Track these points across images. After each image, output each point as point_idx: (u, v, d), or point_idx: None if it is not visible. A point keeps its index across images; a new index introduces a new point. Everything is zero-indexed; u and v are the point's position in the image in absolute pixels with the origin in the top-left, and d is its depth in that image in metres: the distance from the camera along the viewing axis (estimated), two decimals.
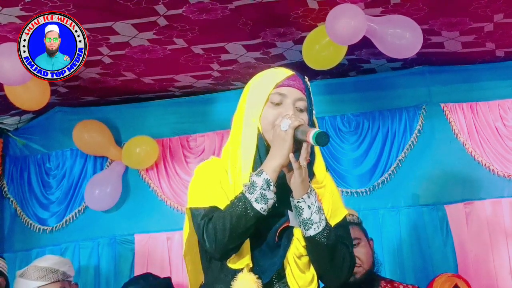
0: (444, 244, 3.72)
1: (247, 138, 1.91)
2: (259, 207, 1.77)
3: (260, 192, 1.77)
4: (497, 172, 3.73)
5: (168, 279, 3.55)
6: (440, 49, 3.62)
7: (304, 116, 1.89)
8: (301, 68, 3.63)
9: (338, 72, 3.82)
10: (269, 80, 1.94)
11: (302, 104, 1.91)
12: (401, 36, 3.02)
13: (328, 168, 2.08)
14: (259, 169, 1.82)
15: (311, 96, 1.97)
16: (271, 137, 1.86)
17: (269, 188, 1.78)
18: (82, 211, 4.16)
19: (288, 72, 1.95)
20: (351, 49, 3.27)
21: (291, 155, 1.79)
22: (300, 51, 3.30)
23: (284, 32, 3.27)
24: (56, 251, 4.03)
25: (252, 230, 1.80)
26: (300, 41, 3.31)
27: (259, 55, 3.57)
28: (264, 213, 1.78)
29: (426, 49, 3.43)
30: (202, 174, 1.95)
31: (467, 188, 3.77)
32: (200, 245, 1.96)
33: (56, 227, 4.16)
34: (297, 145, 1.80)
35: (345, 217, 2.00)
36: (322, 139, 1.73)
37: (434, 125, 3.87)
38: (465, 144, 3.80)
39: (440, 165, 3.82)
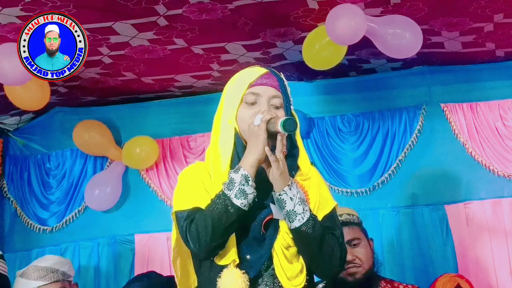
0: (444, 244, 3.72)
1: (224, 139, 1.93)
2: (239, 202, 1.78)
3: (239, 188, 1.79)
4: (497, 172, 3.73)
5: (172, 277, 3.55)
6: (440, 49, 3.62)
7: (281, 113, 1.90)
8: (301, 68, 3.64)
9: (338, 72, 3.81)
10: (242, 80, 1.96)
11: (278, 101, 1.92)
12: (401, 36, 3.02)
13: (313, 162, 2.09)
14: (237, 166, 1.83)
15: (288, 92, 1.98)
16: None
17: (248, 183, 1.80)
18: (82, 211, 4.16)
19: (262, 71, 1.97)
20: (351, 49, 3.27)
21: (267, 148, 1.81)
22: (300, 51, 3.30)
23: (284, 32, 3.27)
24: (56, 251, 4.03)
25: (235, 226, 1.81)
26: (300, 41, 3.30)
27: (259, 55, 3.57)
28: (245, 208, 1.80)
29: (426, 49, 3.43)
30: (185, 178, 1.97)
31: (467, 188, 3.76)
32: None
33: (56, 227, 4.16)
34: (273, 139, 1.82)
35: (333, 208, 1.99)
36: (288, 125, 1.76)
37: (434, 125, 3.87)
38: (465, 144, 3.80)
39: (440, 165, 3.82)
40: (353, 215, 3.01)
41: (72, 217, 4.15)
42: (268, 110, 1.88)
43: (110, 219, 4.13)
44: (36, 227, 4.18)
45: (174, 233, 1.97)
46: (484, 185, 3.75)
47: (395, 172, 3.85)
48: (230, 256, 1.84)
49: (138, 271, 3.90)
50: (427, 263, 3.70)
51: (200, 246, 1.81)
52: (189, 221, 1.83)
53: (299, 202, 1.84)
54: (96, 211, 4.10)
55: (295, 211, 1.83)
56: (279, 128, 1.77)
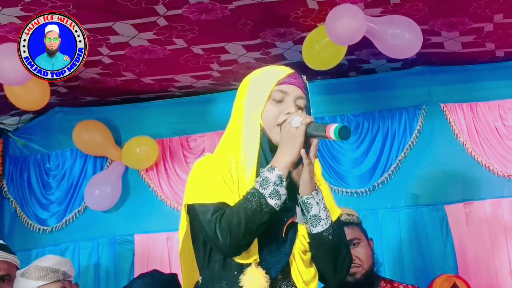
0: (444, 244, 3.72)
1: (250, 135, 1.90)
2: (273, 202, 1.76)
3: (274, 188, 1.77)
4: (497, 172, 3.73)
5: (175, 275, 3.55)
6: (440, 49, 3.62)
7: (303, 115, 1.89)
8: (301, 68, 3.62)
9: (338, 72, 3.82)
10: (270, 77, 1.94)
11: (302, 102, 1.92)
12: (401, 36, 3.03)
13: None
14: (269, 165, 1.81)
15: (309, 95, 1.98)
16: (274, 133, 1.87)
17: (282, 184, 1.78)
18: (82, 211, 4.16)
19: (289, 70, 1.97)
20: (351, 49, 3.27)
21: (303, 151, 1.79)
22: (300, 51, 3.30)
23: (284, 32, 3.27)
24: (56, 251, 4.03)
25: (265, 226, 1.79)
26: (300, 41, 3.31)
27: (259, 55, 3.57)
28: (277, 209, 1.78)
29: (426, 49, 3.44)
30: (204, 169, 1.91)
31: (467, 188, 3.76)
32: (197, 243, 1.93)
33: (56, 227, 4.16)
34: (305, 142, 1.81)
35: (339, 216, 1.99)
36: (345, 132, 1.73)
37: (434, 125, 3.87)
38: (465, 144, 3.80)
39: (440, 165, 3.82)
40: (352, 215, 3.02)
41: (72, 217, 4.15)
42: (303, 112, 1.87)
43: (110, 219, 4.13)
44: (36, 227, 4.18)
45: (183, 225, 1.92)
46: (484, 185, 3.75)
47: (395, 172, 3.85)
48: (251, 255, 1.82)
49: (138, 271, 3.90)
50: (427, 263, 3.70)
51: (231, 242, 1.76)
52: (218, 215, 1.78)
53: (324, 208, 1.84)
54: (96, 211, 4.10)
55: (319, 216, 1.83)
56: (332, 134, 1.74)
